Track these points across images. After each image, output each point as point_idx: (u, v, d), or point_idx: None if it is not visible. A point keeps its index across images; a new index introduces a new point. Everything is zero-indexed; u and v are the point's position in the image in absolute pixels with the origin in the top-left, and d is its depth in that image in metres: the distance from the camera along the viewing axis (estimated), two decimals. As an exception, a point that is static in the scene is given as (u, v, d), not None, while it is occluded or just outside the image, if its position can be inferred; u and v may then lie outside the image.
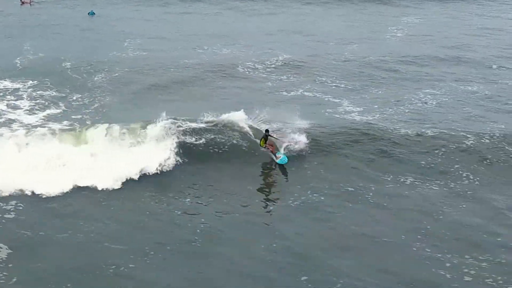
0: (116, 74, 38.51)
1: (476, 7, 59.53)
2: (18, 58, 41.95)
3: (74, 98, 34.30)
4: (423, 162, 25.57)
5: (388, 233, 20.45)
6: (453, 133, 28.13)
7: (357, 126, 29.15)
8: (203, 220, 21.25)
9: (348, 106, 32.77)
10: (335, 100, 33.91)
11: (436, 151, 26.38)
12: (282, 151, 25.53)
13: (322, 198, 22.78)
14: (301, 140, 26.36)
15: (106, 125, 27.44)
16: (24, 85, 36.20)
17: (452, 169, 25.00)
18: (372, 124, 29.67)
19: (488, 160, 25.89)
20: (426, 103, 33.08)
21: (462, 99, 33.34)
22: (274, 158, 25.52)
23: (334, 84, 36.71)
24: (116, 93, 35.14)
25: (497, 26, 51.38)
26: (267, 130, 25.86)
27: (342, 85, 36.56)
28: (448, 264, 18.71)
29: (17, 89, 35.42)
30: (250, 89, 35.64)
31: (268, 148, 25.64)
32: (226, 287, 17.73)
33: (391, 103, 32.87)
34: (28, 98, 34.11)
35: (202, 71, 39.01)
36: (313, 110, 32.19)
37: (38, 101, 33.87)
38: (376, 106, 32.61)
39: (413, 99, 33.55)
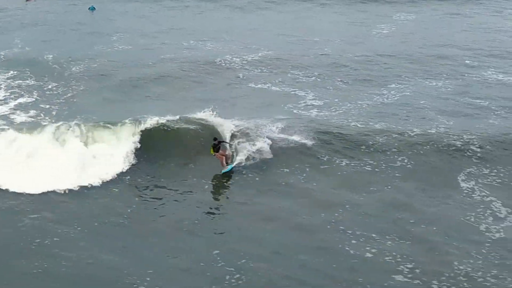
0: (95, 66, 40.68)
1: (475, 5, 59.66)
2: (4, 51, 43.68)
3: (49, 87, 36.54)
4: (371, 160, 26.81)
5: (344, 237, 21.43)
6: (400, 127, 29.52)
7: (312, 122, 30.46)
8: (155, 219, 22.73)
9: (310, 101, 34.07)
10: (300, 94, 35.29)
11: (382, 146, 27.59)
12: (233, 163, 25.83)
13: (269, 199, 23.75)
14: (261, 148, 26.92)
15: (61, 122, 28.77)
16: (4, 75, 37.72)
17: (400, 163, 26.27)
18: (327, 120, 31.05)
19: (425, 153, 27.17)
20: (387, 99, 34.19)
21: (423, 96, 34.40)
22: (222, 167, 25.62)
23: (304, 79, 38.01)
24: (90, 85, 37.07)
25: (491, 25, 51.50)
26: (215, 138, 25.84)
27: (312, 80, 37.90)
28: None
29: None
30: (220, 83, 37.13)
31: (219, 158, 25.68)
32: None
33: (352, 99, 34.11)
34: (5, 88, 35.63)
35: (179, 66, 40.71)
36: (274, 103, 33.54)
37: (13, 90, 35.68)
38: (337, 100, 34.06)
39: (375, 95, 34.64)
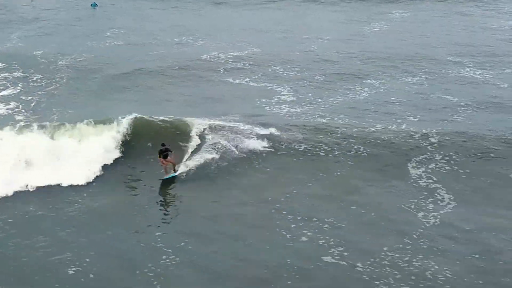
0: (83, 61, 42.70)
1: (474, 4, 60.23)
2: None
3: (34, 79, 38.68)
4: (327, 151, 27.91)
5: (285, 222, 22.66)
6: (363, 122, 30.72)
7: (278, 118, 31.76)
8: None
9: (283, 96, 35.38)
10: (276, 89, 36.67)
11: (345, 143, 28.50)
12: (176, 172, 26.01)
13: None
14: (223, 146, 27.63)
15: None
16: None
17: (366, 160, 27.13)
18: (294, 114, 32.44)
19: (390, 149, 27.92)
20: (360, 95, 35.40)
21: (396, 92, 35.42)
22: (165, 173, 25.75)
23: (284, 74, 39.40)
24: (73, 79, 38.78)
25: (486, 24, 52.09)
26: (163, 144, 25.70)
27: (291, 75, 39.23)
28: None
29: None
30: (199, 79, 38.55)
31: (162, 164, 25.69)
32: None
33: (325, 94, 35.32)
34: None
35: (165, 62, 42.15)
36: (248, 99, 35.18)
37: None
38: (310, 95, 35.44)
39: (349, 91, 35.85)
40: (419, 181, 25.16)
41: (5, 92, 36.13)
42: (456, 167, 26.15)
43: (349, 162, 26.93)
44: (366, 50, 44.29)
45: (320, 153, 27.59)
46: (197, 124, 29.25)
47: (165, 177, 25.47)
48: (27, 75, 38.81)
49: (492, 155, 27.01)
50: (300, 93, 35.83)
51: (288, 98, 35.08)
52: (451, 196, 24.23)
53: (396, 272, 19.68)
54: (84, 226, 22.46)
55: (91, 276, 19.73)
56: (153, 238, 21.60)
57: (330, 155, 27.37)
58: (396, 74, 38.87)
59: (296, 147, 28.02)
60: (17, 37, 50.00)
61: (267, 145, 28.07)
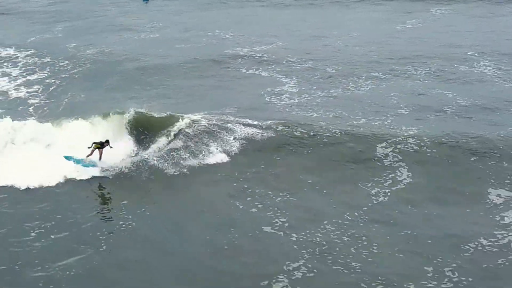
0: (109, 51, 46.37)
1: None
2: (33, 38, 50.37)
3: (59, 67, 42.48)
4: (303, 144, 29.13)
5: (242, 194, 24.89)
6: (351, 116, 32.20)
7: (273, 111, 33.47)
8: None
9: (288, 88, 37.35)
10: (283, 80, 38.71)
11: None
12: (96, 165, 26.96)
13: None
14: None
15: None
16: (25, 54, 43.87)
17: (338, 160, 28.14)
18: (289, 108, 34.11)
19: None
20: (361, 92, 36.64)
21: (400, 92, 35.85)
22: (84, 158, 26.92)
23: (296, 68, 41.44)
24: (96, 70, 41.93)
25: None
26: (107, 141, 27.00)
27: (303, 68, 41.22)
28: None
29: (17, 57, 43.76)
30: (215, 72, 41.07)
31: (91, 151, 26.80)
32: None
33: (327, 89, 36.86)
34: (21, 65, 41.61)
35: (189, 56, 44.73)
36: (252, 88, 37.50)
37: (28, 67, 41.50)
38: (314, 89, 37.12)
39: (353, 88, 37.17)
40: (383, 170, 26.65)
41: (30, 77, 39.75)
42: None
43: (322, 152, 28.48)
44: (390, 48, 45.35)
45: (292, 145, 29.01)
46: (184, 119, 30.48)
47: (82, 159, 26.82)
48: (55, 61, 42.77)
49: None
50: (304, 85, 37.68)
51: (291, 89, 36.99)
52: (409, 173, 25.70)
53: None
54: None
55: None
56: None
57: (304, 148, 28.77)
58: (407, 74, 39.57)
59: (269, 140, 29.38)
60: (60, 29, 54.18)
61: (242, 142, 29.23)
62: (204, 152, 28.18)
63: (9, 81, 39.35)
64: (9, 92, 37.42)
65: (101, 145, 26.84)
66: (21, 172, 26.13)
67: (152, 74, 40.88)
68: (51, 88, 37.70)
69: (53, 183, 26.13)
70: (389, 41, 47.67)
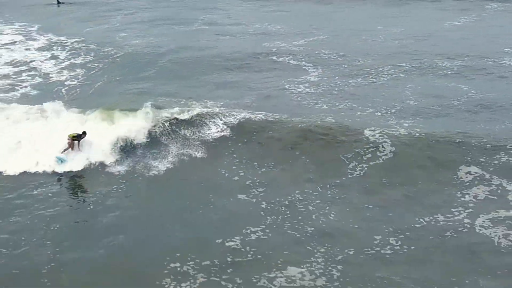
0: (154, 43, 49.91)
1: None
2: (89, 28, 55.11)
3: (102, 54, 46.07)
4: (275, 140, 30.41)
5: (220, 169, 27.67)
6: (343, 112, 33.96)
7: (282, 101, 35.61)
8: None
9: (310, 76, 39.80)
10: (309, 70, 41.21)
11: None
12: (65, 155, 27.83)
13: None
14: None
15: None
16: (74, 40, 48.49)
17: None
18: (304, 98, 36.34)
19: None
20: (373, 87, 38.38)
21: (413, 92, 36.60)
22: (61, 152, 27.77)
23: (324, 59, 43.67)
24: (136, 62, 44.69)
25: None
26: (84, 133, 27.95)
27: (331, 60, 43.42)
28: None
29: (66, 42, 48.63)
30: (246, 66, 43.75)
31: (68, 144, 27.77)
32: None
33: (348, 82, 38.86)
34: (67, 50, 46.15)
35: (228, 49, 47.27)
36: (277, 74, 40.10)
37: (73, 52, 46.12)
38: (337, 77, 39.29)
39: (366, 84, 39.13)
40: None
41: (74, 60, 44.03)
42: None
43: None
44: (427, 44, 46.72)
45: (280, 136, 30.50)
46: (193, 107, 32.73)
47: (60, 154, 27.75)
48: (99, 48, 46.60)
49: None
50: (326, 75, 39.97)
51: (313, 78, 39.32)
52: (390, 159, 27.58)
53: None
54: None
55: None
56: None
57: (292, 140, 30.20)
58: (439, 68, 40.67)
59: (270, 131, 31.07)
60: (117, 22, 58.60)
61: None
62: (204, 131, 30.88)
63: (54, 65, 43.23)
64: (51, 75, 41.15)
65: (78, 137, 27.78)
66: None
67: (187, 65, 43.58)
68: (91, 73, 41.29)
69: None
70: (430, 38, 49.15)
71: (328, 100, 35.35)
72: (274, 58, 44.00)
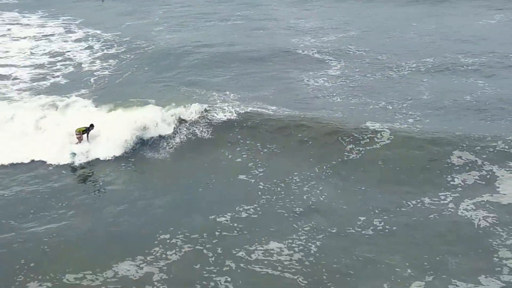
0: (190, 38, 51.61)
1: None
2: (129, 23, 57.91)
3: (136, 46, 48.29)
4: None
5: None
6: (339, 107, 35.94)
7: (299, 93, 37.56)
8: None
9: (331, 70, 41.23)
10: (331, 63, 42.65)
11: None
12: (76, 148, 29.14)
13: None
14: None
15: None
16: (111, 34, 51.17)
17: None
18: (319, 91, 37.89)
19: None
20: (388, 81, 39.77)
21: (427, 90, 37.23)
22: (74, 145, 29.09)
23: (348, 53, 44.99)
24: (170, 58, 45.88)
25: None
26: (91, 125, 29.24)
27: (356, 54, 44.61)
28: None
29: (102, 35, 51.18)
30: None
31: (77, 138, 29.04)
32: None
33: (368, 78, 40.29)
34: (102, 42, 48.85)
35: (260, 46, 48.39)
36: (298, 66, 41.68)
37: (106, 44, 48.67)
38: (357, 70, 40.62)
39: (387, 78, 40.48)
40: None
41: (107, 51, 46.52)
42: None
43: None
44: (456, 41, 47.45)
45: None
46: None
47: (73, 148, 29.08)
48: (133, 40, 49.06)
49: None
50: (347, 69, 41.10)
51: (333, 72, 40.73)
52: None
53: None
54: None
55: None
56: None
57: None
58: (463, 66, 41.19)
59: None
60: (156, 17, 61.03)
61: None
62: (214, 118, 32.73)
63: (88, 55, 45.95)
64: (83, 65, 43.84)
65: (86, 130, 29.02)
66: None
67: (213, 58, 44.63)
68: (120, 64, 43.67)
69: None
70: (460, 35, 49.69)
71: (343, 93, 36.67)
72: (299, 51, 45.34)
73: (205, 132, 31.51)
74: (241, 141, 30.66)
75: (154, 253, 21.68)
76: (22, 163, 29.26)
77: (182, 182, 27.24)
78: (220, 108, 33.39)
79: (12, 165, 28.93)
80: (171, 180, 27.56)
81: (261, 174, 27.47)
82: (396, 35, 50.70)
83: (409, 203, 24.66)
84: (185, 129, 31.84)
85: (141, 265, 20.98)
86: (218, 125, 32.17)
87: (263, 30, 53.71)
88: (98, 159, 29.66)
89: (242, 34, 52.66)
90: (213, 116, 32.63)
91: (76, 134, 28.97)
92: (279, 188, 26.19)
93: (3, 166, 28.84)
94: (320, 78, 39.80)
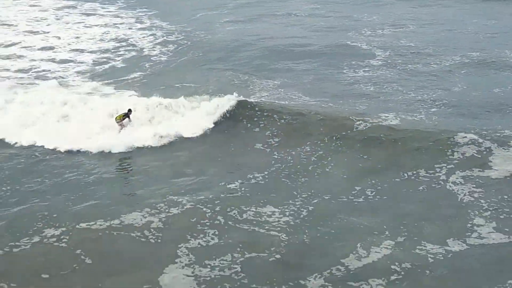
0: (261, 32, 53.89)
1: None
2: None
3: (188, 39, 51.59)
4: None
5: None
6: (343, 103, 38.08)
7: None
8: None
9: (373, 61, 43.50)
10: (376, 53, 44.91)
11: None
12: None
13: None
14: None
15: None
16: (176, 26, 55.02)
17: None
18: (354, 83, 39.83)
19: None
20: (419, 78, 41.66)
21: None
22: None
23: (392, 45, 46.83)
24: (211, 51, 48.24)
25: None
26: (130, 110, 30.84)
27: (398, 45, 46.46)
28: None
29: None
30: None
31: (119, 125, 30.77)
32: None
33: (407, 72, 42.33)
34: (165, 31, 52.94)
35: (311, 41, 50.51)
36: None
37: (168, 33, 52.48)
38: (400, 61, 42.65)
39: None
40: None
41: (167, 38, 50.83)
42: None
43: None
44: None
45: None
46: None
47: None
48: (194, 31, 52.57)
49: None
50: (390, 59, 43.07)
51: (376, 62, 42.95)
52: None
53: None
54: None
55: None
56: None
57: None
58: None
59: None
60: (225, 9, 63.88)
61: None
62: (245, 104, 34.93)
63: (149, 41, 50.00)
64: (144, 49, 47.90)
65: (125, 116, 30.83)
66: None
67: (265, 51, 46.22)
68: (176, 51, 47.11)
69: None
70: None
71: (377, 82, 38.82)
72: (349, 42, 47.38)
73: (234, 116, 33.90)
74: (265, 121, 33.15)
75: (159, 208, 24.93)
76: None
77: (209, 155, 30.47)
78: (252, 97, 35.88)
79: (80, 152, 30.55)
80: (197, 157, 30.54)
81: (276, 144, 30.63)
82: (452, 29, 51.81)
83: (404, 175, 27.21)
84: (216, 114, 34.14)
85: (145, 215, 24.15)
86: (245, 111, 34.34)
87: (324, 23, 55.82)
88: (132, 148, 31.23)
89: (300, 29, 54.32)
90: (245, 102, 34.87)
91: (117, 122, 30.66)
92: (289, 157, 29.18)
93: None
94: (361, 69, 41.47)
